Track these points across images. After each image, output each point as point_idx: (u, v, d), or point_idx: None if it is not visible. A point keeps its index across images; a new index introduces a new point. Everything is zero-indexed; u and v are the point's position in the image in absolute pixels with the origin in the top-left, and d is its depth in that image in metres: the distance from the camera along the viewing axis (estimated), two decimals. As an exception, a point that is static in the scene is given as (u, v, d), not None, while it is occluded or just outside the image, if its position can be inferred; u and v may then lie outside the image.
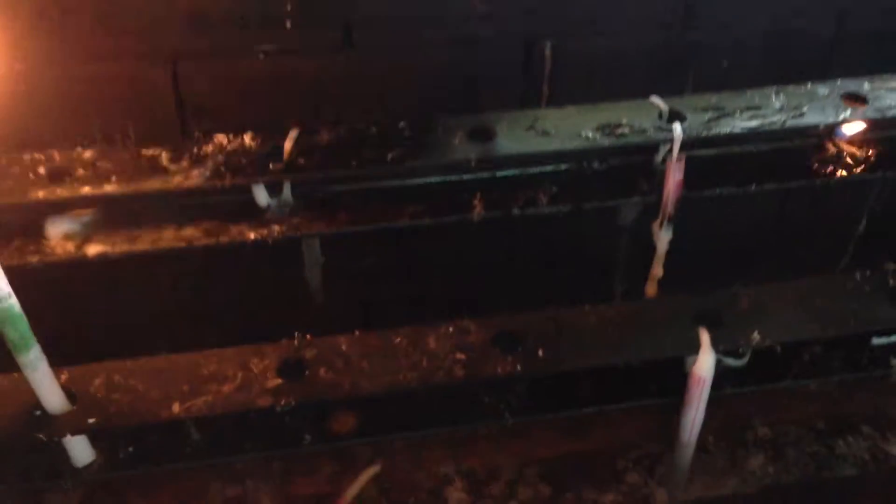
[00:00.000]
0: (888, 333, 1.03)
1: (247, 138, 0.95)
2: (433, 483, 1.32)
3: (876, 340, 1.03)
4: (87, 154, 0.91)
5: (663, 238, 1.07)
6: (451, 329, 0.94)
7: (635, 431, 1.35)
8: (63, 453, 0.91)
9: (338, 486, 1.28)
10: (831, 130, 1.07)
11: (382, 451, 1.17)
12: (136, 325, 1.18)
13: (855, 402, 1.44)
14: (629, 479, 1.33)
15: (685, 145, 1.00)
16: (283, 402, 0.87)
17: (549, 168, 1.03)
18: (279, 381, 0.89)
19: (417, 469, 1.32)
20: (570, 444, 1.37)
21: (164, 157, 0.92)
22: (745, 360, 1.00)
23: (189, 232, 0.94)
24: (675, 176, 1.02)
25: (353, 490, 1.11)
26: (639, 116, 1.02)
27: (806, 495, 1.26)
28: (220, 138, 0.95)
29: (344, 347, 0.92)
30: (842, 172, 1.07)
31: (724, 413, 1.29)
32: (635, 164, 1.05)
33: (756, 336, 0.95)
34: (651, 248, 1.08)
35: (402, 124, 1.00)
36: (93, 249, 0.92)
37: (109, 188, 0.88)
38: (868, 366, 1.02)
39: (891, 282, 1.02)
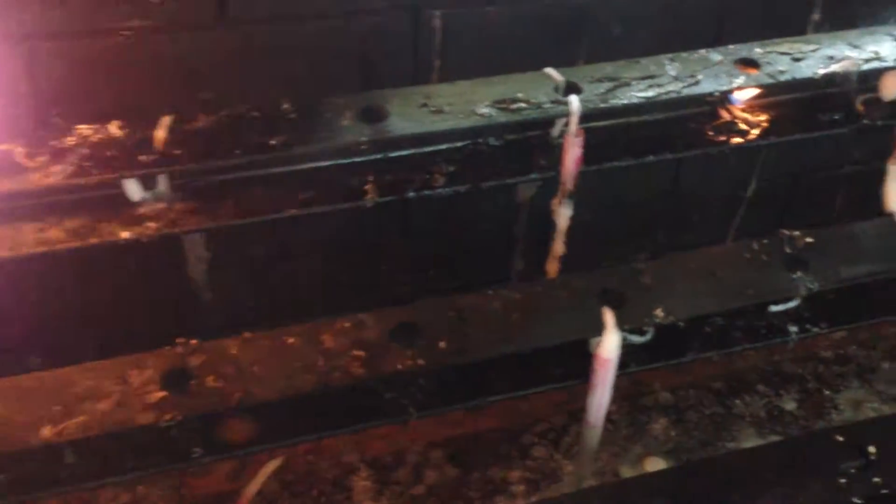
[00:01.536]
0: (785, 301, 1.04)
1: (113, 128, 0.87)
2: (337, 473, 1.28)
3: (773, 308, 1.04)
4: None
5: (564, 214, 1.04)
6: (346, 324, 0.89)
7: (540, 405, 1.35)
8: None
9: (237, 482, 1.23)
10: (726, 97, 1.06)
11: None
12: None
13: (749, 361, 1.47)
14: (536, 453, 1.32)
15: (583, 118, 0.98)
16: (167, 418, 0.80)
17: (443, 147, 0.99)
18: (162, 393, 0.82)
19: (320, 459, 1.28)
20: (475, 422, 1.35)
21: (19, 152, 0.84)
22: (648, 337, 0.99)
23: (53, 234, 0.86)
24: (573, 150, 0.99)
25: (253, 487, 1.05)
26: (534, 89, 0.98)
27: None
28: (83, 129, 0.86)
29: (234, 352, 0.85)
30: (736, 139, 1.07)
31: (626, 380, 1.29)
32: (533, 139, 1.01)
33: (660, 313, 0.93)
34: (551, 224, 1.05)
35: (285, 105, 0.93)
36: (-62, 258, 0.83)
37: (-46, 191, 0.79)
38: (767, 334, 1.03)
39: (786, 249, 1.03)
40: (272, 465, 1.07)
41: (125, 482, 1.07)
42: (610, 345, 0.92)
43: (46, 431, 0.78)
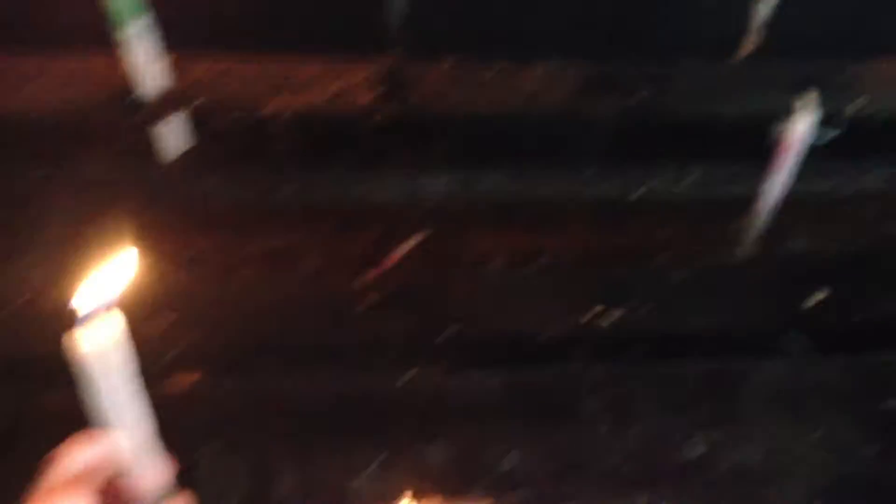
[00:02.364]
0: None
1: None
2: (475, 257, 1.32)
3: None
4: None
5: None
6: (552, 65, 0.92)
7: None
8: (159, 139, 0.86)
9: (382, 250, 1.27)
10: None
11: (428, 222, 1.15)
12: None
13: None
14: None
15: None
16: (379, 113, 0.84)
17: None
18: (376, 92, 0.85)
19: (462, 243, 1.32)
20: (612, 235, 1.38)
21: None
22: (837, 132, 1.00)
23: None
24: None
25: (398, 253, 1.10)
26: None
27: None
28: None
29: (444, 69, 0.88)
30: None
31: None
32: None
33: (861, 101, 0.95)
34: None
35: None
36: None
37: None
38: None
39: None
40: (412, 242, 1.11)
41: (284, 230, 1.11)
42: (800, 128, 0.93)
43: (273, 105, 0.81)
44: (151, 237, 1.00)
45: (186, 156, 0.86)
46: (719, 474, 0.87)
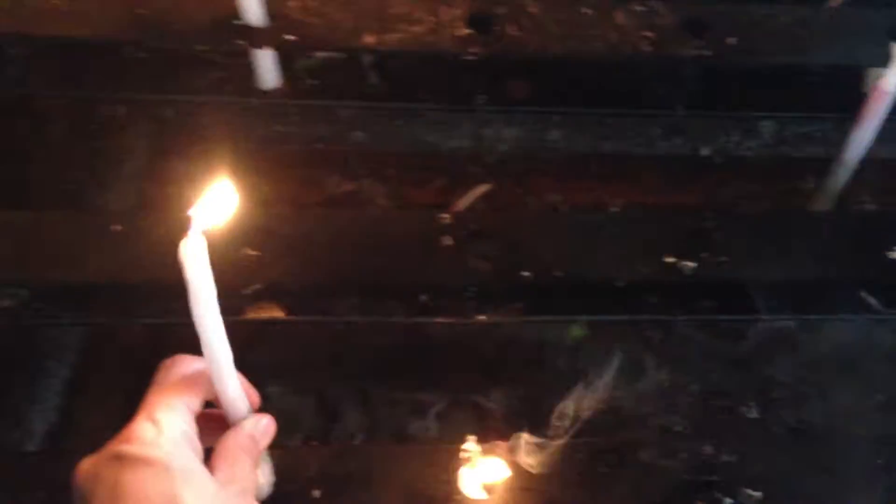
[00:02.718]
0: None
1: None
2: (546, 205, 1.32)
3: None
4: None
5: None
6: (639, 7, 0.91)
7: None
8: (250, 73, 0.88)
9: (447, 198, 1.28)
10: None
11: (493, 174, 1.16)
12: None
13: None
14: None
15: None
16: (470, 51, 0.84)
17: None
18: (467, 31, 0.86)
19: (533, 192, 1.32)
20: (679, 195, 1.36)
21: None
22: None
23: None
24: None
25: (464, 202, 1.10)
26: None
27: None
28: None
29: (533, 9, 0.88)
30: None
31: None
32: None
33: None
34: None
35: None
36: None
37: None
38: None
39: None
40: (483, 189, 1.11)
41: (351, 174, 1.13)
42: (892, 78, 0.91)
43: (368, 38, 0.83)
44: (234, 172, 1.03)
45: (273, 93, 0.88)
46: (779, 433, 0.87)
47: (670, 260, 0.70)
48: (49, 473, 0.67)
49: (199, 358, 0.53)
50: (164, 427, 0.50)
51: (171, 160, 1.02)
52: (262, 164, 1.09)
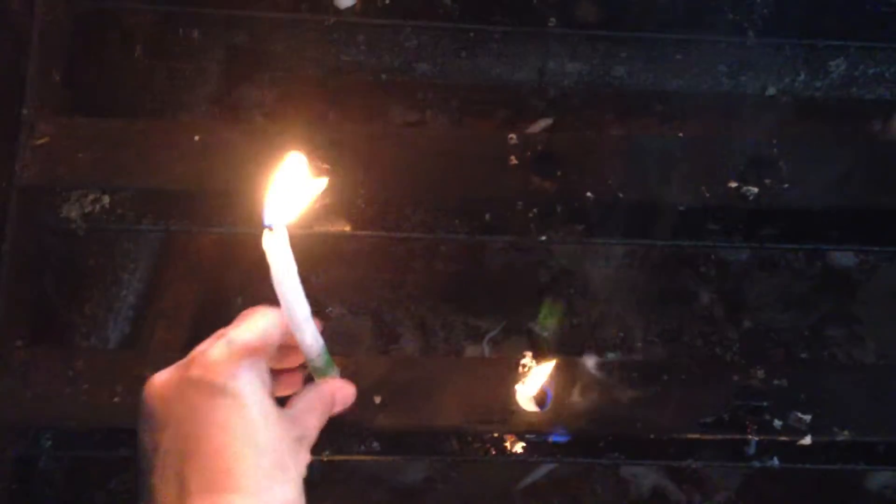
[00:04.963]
0: None
1: None
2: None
3: None
4: None
5: None
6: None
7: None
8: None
9: (509, 129, 1.28)
10: None
11: (556, 109, 1.16)
12: None
13: None
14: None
15: None
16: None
17: None
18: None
19: (588, 128, 1.32)
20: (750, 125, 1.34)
21: None
22: None
23: None
24: None
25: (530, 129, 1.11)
26: None
27: None
28: None
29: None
30: None
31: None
32: None
33: None
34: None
35: None
36: None
37: None
38: None
39: None
40: (545, 122, 1.12)
41: (416, 104, 1.14)
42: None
43: None
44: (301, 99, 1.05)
45: (347, 12, 0.89)
46: (831, 363, 0.87)
47: (733, 185, 0.71)
48: (126, 369, 0.71)
49: (278, 310, 0.55)
50: (243, 363, 0.52)
51: (242, 86, 1.05)
52: (329, 94, 1.11)
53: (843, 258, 0.92)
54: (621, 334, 0.88)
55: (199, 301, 1.02)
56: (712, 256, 1.02)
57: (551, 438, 0.71)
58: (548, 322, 0.90)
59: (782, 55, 1.08)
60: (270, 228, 0.52)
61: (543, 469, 0.89)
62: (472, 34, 1.02)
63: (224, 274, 1.02)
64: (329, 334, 0.62)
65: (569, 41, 1.06)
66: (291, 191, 0.54)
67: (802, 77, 1.12)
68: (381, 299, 1.02)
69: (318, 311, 0.63)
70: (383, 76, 1.12)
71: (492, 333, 1.01)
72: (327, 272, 1.03)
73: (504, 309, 1.02)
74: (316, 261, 1.04)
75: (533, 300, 1.01)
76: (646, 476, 0.89)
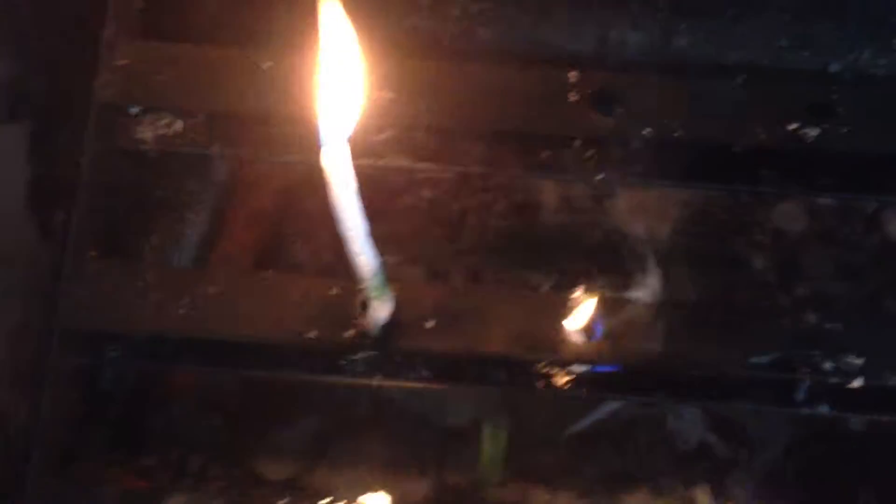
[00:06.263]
0: None
1: None
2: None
3: None
4: None
5: None
6: None
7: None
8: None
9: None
10: None
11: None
12: None
13: None
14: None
15: None
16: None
17: None
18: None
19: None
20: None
21: None
22: None
23: None
24: None
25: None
26: None
27: None
28: None
29: None
30: None
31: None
32: None
33: None
34: None
35: None
36: None
37: None
38: None
39: None
40: None
41: None
42: None
43: None
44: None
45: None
46: (885, 310, 0.86)
47: (791, 127, 0.71)
48: (193, 284, 0.75)
49: None
50: None
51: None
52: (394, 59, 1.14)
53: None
54: (666, 281, 0.88)
55: (261, 246, 1.05)
56: (767, 225, 1.01)
57: (597, 368, 0.72)
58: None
59: (844, 31, 1.07)
60: (328, 144, 0.54)
61: (589, 418, 0.89)
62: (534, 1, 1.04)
63: (285, 220, 1.05)
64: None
65: (630, 10, 1.07)
66: (343, 99, 0.55)
67: (867, 54, 1.11)
68: (436, 251, 1.04)
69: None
70: (444, 42, 1.14)
71: (544, 289, 1.01)
72: (383, 223, 1.05)
73: (557, 265, 1.02)
74: (371, 211, 1.06)
75: (585, 259, 1.02)
76: (692, 430, 0.89)
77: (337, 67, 0.54)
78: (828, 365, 0.70)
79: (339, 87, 0.54)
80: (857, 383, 0.70)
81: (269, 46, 0.78)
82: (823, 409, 0.72)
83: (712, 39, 1.14)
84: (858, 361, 0.70)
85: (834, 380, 0.70)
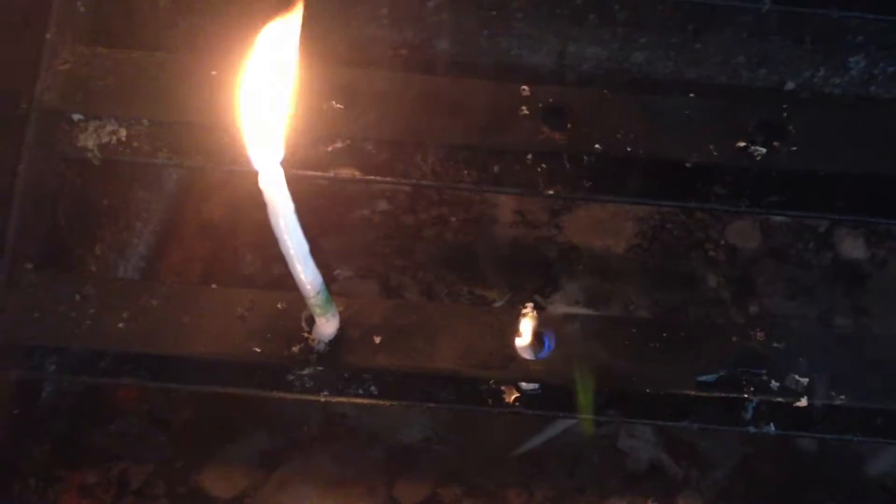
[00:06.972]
0: None
1: None
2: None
3: None
4: None
5: None
6: None
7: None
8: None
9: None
10: None
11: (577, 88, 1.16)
12: None
13: None
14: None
15: None
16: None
17: None
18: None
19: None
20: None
21: None
22: None
23: None
24: None
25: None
26: None
27: None
28: None
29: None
30: None
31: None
32: None
33: None
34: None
35: None
36: None
37: None
38: None
39: None
40: None
41: None
42: None
43: None
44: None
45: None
46: (834, 332, 0.86)
47: (741, 144, 0.71)
48: (134, 297, 0.73)
49: None
50: None
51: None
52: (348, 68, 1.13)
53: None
54: (633, 298, 0.88)
55: (210, 258, 1.04)
56: (721, 242, 1.02)
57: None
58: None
59: (801, 49, 1.08)
60: (263, 168, 0.53)
61: (540, 437, 0.89)
62: (494, 13, 1.04)
63: (235, 231, 1.03)
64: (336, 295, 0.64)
65: (590, 25, 1.07)
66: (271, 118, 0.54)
67: (822, 73, 1.12)
68: (389, 265, 1.03)
69: (325, 273, 0.65)
70: (402, 51, 1.13)
71: (497, 304, 1.01)
72: (336, 236, 1.04)
73: (510, 281, 1.02)
74: (324, 224, 1.05)
75: (540, 274, 1.02)
76: (643, 449, 0.89)
77: (266, 81, 0.52)
78: (774, 384, 0.70)
79: (267, 102, 0.52)
80: (802, 402, 0.69)
81: (217, 53, 0.77)
82: (769, 429, 0.71)
83: (671, 55, 1.15)
84: (804, 381, 0.70)
85: (780, 399, 0.70)
